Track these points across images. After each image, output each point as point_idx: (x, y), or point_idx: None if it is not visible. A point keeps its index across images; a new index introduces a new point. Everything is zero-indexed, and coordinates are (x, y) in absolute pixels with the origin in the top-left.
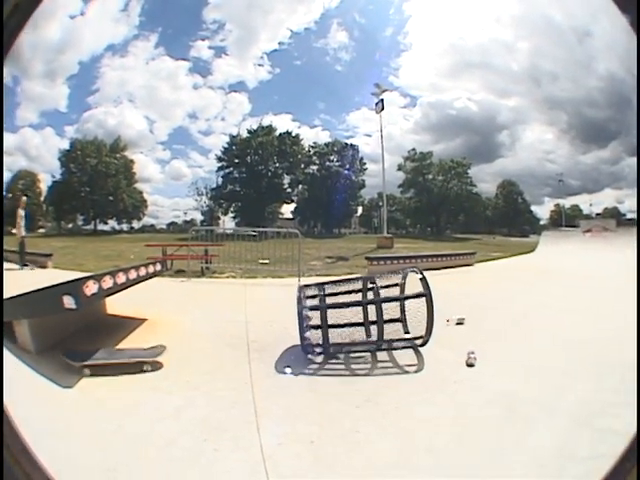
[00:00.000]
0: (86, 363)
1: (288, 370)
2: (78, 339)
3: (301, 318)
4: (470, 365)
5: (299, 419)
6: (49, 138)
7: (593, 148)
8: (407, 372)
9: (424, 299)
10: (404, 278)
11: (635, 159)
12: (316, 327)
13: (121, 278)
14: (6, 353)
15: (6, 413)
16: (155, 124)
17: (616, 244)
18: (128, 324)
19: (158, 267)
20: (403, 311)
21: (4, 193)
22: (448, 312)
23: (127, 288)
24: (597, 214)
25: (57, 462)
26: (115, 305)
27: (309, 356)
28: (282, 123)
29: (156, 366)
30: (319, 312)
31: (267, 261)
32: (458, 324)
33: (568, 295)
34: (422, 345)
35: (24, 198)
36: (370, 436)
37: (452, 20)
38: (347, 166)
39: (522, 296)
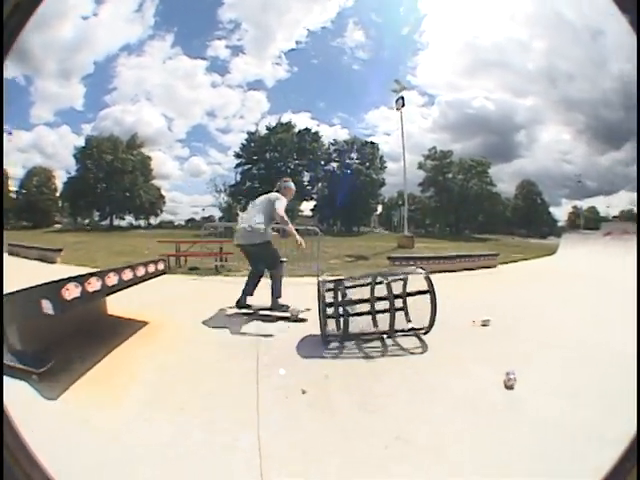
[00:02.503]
0: None
1: (282, 371)
2: (70, 343)
3: (322, 311)
4: (509, 387)
5: (313, 463)
6: (66, 136)
7: (609, 149)
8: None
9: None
10: (407, 275)
11: None
12: (334, 317)
13: (112, 279)
14: None
15: (6, 413)
16: (173, 122)
17: (635, 247)
18: (129, 327)
19: (160, 266)
20: (405, 304)
21: (18, 189)
22: (475, 315)
23: (121, 290)
24: (614, 217)
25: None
26: (118, 304)
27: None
28: (301, 121)
29: (40, 377)
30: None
31: (285, 259)
32: (483, 325)
33: (597, 301)
34: (425, 333)
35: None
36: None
37: (467, 18)
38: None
39: (550, 301)
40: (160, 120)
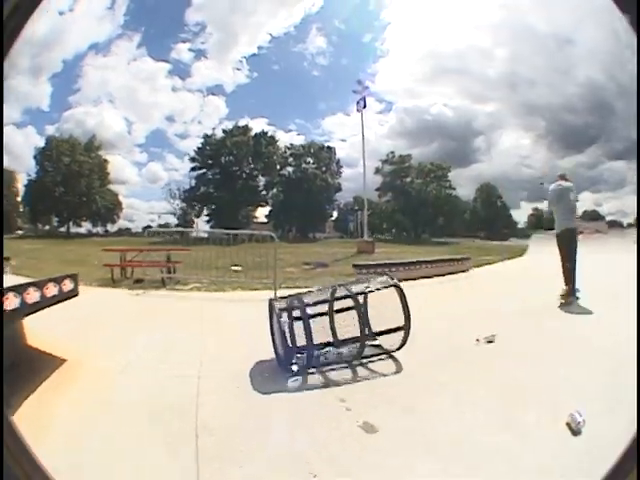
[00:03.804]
0: None
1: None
2: None
3: (281, 332)
4: (577, 432)
5: None
6: (31, 136)
7: (571, 153)
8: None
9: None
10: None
11: (616, 162)
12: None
13: None
14: None
15: (6, 413)
16: (133, 125)
17: (608, 246)
18: (44, 366)
19: (67, 286)
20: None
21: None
22: (474, 329)
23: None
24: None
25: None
26: (40, 327)
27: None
28: (258, 127)
29: None
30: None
31: (240, 268)
32: (489, 342)
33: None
34: (398, 349)
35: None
36: None
37: (431, 27)
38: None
39: (548, 305)
40: (120, 123)
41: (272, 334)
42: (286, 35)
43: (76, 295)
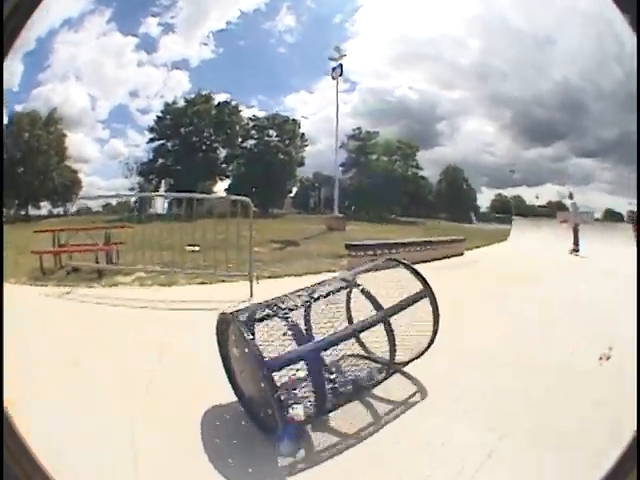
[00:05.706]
0: None
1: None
2: None
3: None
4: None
5: None
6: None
7: (536, 145)
8: None
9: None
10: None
11: (583, 159)
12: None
13: None
14: None
15: (6, 413)
16: (97, 102)
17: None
18: None
19: None
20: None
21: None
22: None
23: None
24: (539, 206)
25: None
26: None
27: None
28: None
29: None
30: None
31: (197, 248)
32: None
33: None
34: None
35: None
36: None
37: (406, 12)
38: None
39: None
40: (85, 99)
41: (230, 375)
42: (255, 12)
43: None
